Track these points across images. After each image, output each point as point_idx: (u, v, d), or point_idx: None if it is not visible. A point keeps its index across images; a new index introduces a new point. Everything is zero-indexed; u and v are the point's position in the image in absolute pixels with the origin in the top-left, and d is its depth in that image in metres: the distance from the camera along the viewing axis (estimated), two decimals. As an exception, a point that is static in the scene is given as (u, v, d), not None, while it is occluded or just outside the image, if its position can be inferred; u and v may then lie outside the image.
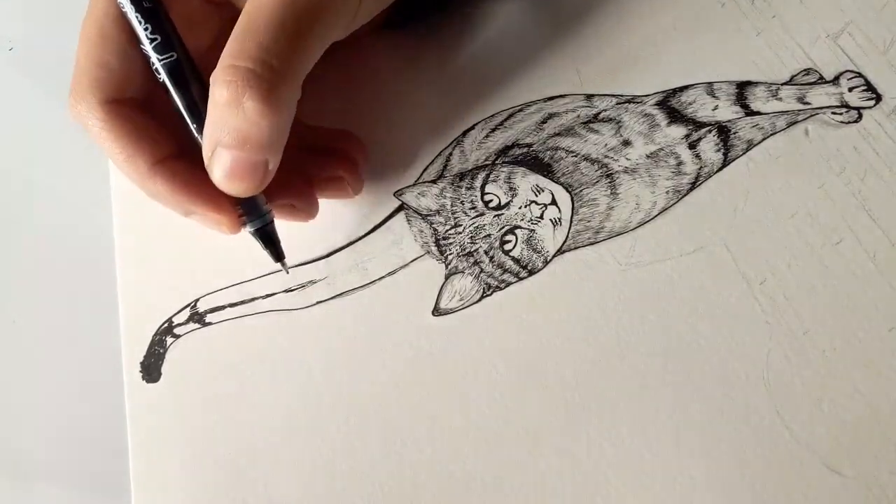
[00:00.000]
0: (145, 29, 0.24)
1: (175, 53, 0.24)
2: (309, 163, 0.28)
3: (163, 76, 0.24)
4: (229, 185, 0.24)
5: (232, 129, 0.22)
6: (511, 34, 0.32)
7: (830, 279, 0.25)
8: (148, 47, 0.24)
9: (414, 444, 0.26)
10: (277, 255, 0.27)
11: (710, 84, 0.29)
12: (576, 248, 0.28)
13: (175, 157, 0.26)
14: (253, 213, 0.26)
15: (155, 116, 0.26)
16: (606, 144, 0.29)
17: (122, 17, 0.24)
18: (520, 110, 0.30)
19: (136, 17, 0.24)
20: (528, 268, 0.28)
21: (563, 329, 0.27)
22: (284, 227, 0.28)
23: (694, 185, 0.27)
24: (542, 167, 0.29)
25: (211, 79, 0.22)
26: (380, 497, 0.26)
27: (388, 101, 0.32)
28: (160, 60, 0.24)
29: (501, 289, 0.28)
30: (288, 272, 0.29)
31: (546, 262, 0.28)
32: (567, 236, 0.28)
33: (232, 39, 0.22)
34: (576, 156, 0.29)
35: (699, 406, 0.25)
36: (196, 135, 0.25)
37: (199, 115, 0.24)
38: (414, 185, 0.30)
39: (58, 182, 0.36)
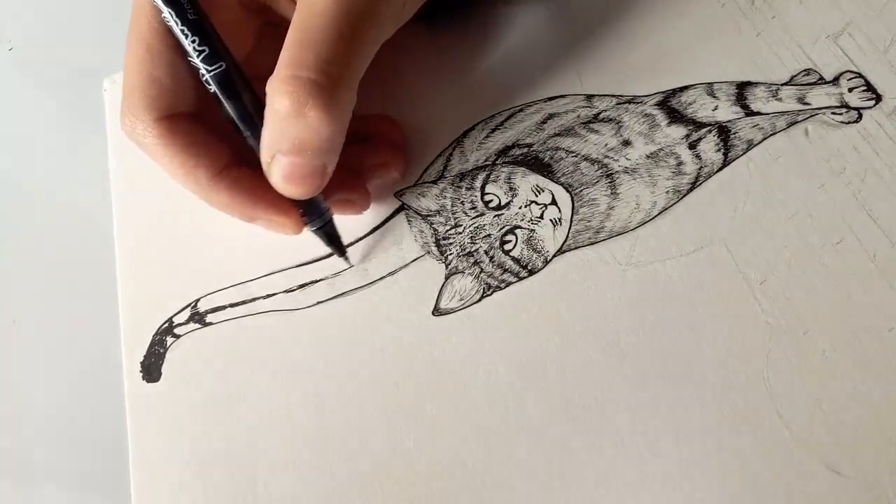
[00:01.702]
0: (192, 41, 0.24)
1: (223, 63, 0.24)
2: (355, 154, 0.28)
3: (213, 87, 0.24)
4: (289, 189, 0.24)
5: (293, 137, 0.22)
6: (511, 35, 0.32)
7: (830, 279, 0.25)
8: (196, 60, 0.24)
9: (414, 444, 0.26)
10: (340, 250, 0.28)
11: (710, 84, 0.29)
12: (576, 248, 0.28)
13: (234, 166, 0.26)
14: (313, 213, 0.27)
15: (209, 127, 0.26)
16: (606, 144, 0.29)
17: (167, 31, 0.24)
18: (520, 110, 0.30)
19: (182, 31, 0.23)
20: (529, 268, 0.28)
21: (563, 329, 0.27)
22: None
23: (694, 185, 0.27)
24: (542, 167, 0.29)
25: (268, 88, 0.22)
26: (380, 497, 0.26)
27: (389, 102, 0.32)
28: (209, 72, 0.24)
29: (501, 289, 0.28)
30: (352, 265, 0.29)
31: (546, 262, 0.28)
32: (567, 236, 0.28)
33: (288, 48, 0.22)
34: (576, 156, 0.29)
35: (699, 406, 0.25)
36: (251, 142, 0.25)
37: (253, 123, 0.24)
38: (414, 185, 0.30)
39: (58, 182, 0.36)
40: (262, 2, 0.26)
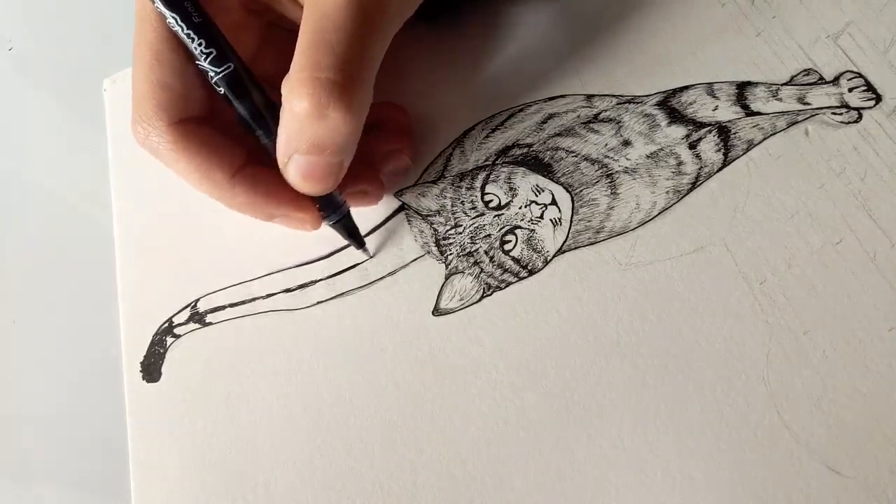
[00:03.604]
0: (199, 44, 0.23)
1: (231, 64, 0.24)
2: (367, 143, 0.28)
3: (223, 89, 0.24)
4: (307, 186, 0.24)
5: (312, 137, 0.22)
6: (511, 35, 0.32)
7: (830, 279, 0.25)
8: (204, 63, 0.24)
9: (414, 444, 0.26)
10: (359, 242, 0.28)
11: (710, 84, 0.29)
12: (576, 247, 0.28)
13: (249, 166, 0.26)
14: (330, 208, 0.27)
15: (221, 130, 0.26)
16: (607, 144, 0.29)
17: (174, 36, 0.24)
18: (520, 110, 0.30)
19: (188, 34, 0.23)
20: (529, 268, 0.28)
21: (563, 329, 0.27)
22: (285, 227, 0.28)
23: (694, 186, 0.27)
24: (542, 167, 0.29)
25: (284, 90, 0.22)
26: (380, 497, 0.26)
27: (389, 101, 0.32)
28: (217, 74, 0.24)
29: (502, 289, 0.28)
30: (371, 256, 0.29)
31: (546, 262, 0.28)
32: (567, 236, 0.28)
33: (303, 50, 0.22)
34: (576, 156, 0.29)
35: (699, 406, 0.25)
36: (264, 140, 0.25)
37: (265, 122, 0.25)
38: (414, 185, 0.30)
39: (58, 182, 0.36)
40: (264, 3, 0.26)
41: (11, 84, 0.38)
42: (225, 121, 0.26)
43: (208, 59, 0.24)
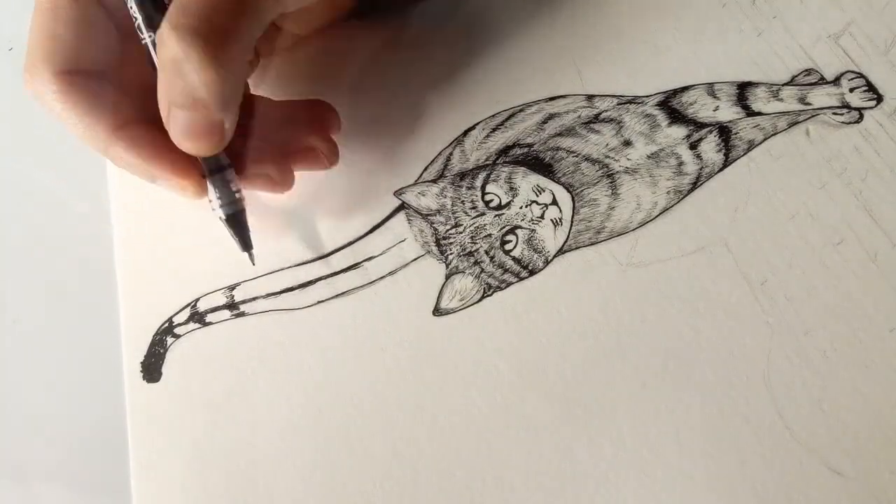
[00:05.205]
0: None
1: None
2: (282, 134, 0.28)
3: (133, 5, 0.24)
4: (187, 144, 0.24)
5: (181, 89, 0.22)
6: (513, 34, 0.32)
7: (831, 280, 0.25)
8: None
9: (414, 444, 0.26)
10: (246, 244, 0.27)
11: (710, 84, 0.29)
12: (577, 248, 0.28)
13: (136, 123, 0.26)
14: (225, 198, 0.26)
15: (114, 87, 0.26)
16: (607, 144, 0.29)
17: None
18: (521, 110, 0.30)
19: None
20: (529, 268, 0.28)
21: (563, 329, 0.27)
22: (285, 224, 0.28)
23: (695, 186, 0.27)
24: (542, 167, 0.29)
25: (157, 38, 0.22)
26: (380, 497, 0.26)
27: (389, 100, 0.32)
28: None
29: (502, 289, 0.28)
30: (254, 263, 0.29)
31: (547, 262, 0.28)
32: (568, 236, 0.28)
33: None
34: (577, 156, 0.29)
35: (699, 406, 0.25)
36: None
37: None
38: (414, 184, 0.30)
39: (58, 182, 0.36)
40: None
41: (11, 84, 0.38)
42: (123, 78, 0.26)
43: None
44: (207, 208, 0.27)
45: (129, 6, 0.24)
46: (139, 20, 0.24)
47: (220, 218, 0.27)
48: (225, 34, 0.22)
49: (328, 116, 0.29)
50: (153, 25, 0.24)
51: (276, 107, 0.29)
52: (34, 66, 0.25)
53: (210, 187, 0.26)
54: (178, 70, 0.22)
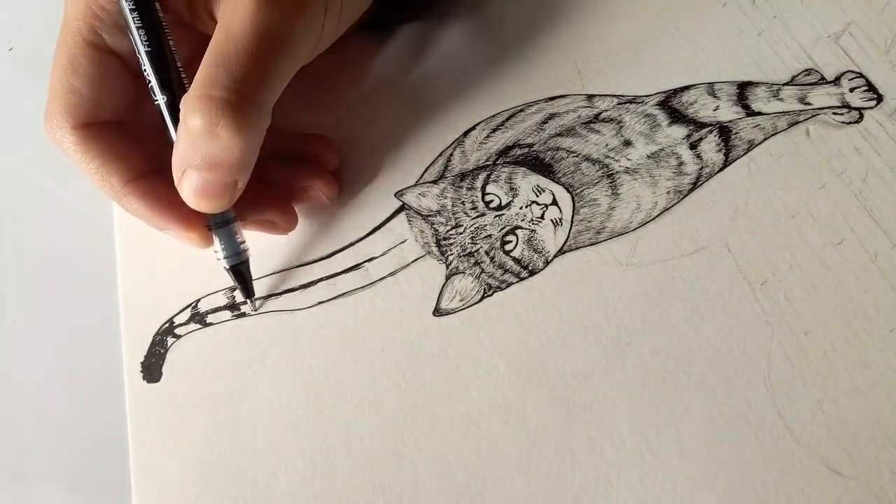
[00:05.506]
0: (144, 42, 0.25)
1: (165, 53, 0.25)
2: (282, 174, 0.29)
3: (147, 69, 0.25)
4: (199, 203, 0.25)
5: (204, 154, 0.23)
6: (513, 34, 0.32)
7: (831, 280, 0.25)
8: (142, 52, 0.25)
9: (414, 444, 0.26)
10: (248, 292, 0.29)
11: (711, 84, 0.29)
12: (577, 248, 0.28)
13: (149, 176, 0.27)
14: (230, 250, 0.27)
15: (129, 137, 0.27)
16: (607, 144, 0.29)
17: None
18: (521, 110, 0.30)
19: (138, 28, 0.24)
20: (529, 268, 0.28)
21: (563, 329, 0.27)
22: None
23: (695, 186, 0.27)
24: (543, 167, 0.29)
25: (182, 105, 0.23)
26: (380, 497, 0.26)
27: (390, 101, 0.32)
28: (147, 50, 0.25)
29: (502, 289, 0.28)
30: (255, 309, 0.30)
31: (547, 263, 0.28)
32: (568, 236, 0.28)
33: (204, 68, 0.23)
34: (577, 156, 0.29)
35: (699, 406, 0.25)
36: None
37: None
38: (415, 185, 0.30)
39: (58, 182, 0.36)
40: (189, 21, 0.27)
41: (11, 84, 0.38)
42: (137, 129, 0.27)
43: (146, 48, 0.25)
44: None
45: (142, 68, 0.25)
46: (153, 82, 0.25)
47: (225, 268, 0.28)
48: (252, 104, 0.23)
49: (326, 155, 0.30)
50: (167, 86, 0.25)
51: (274, 146, 0.29)
52: (53, 117, 0.26)
53: (215, 239, 0.27)
54: (202, 136, 0.23)
